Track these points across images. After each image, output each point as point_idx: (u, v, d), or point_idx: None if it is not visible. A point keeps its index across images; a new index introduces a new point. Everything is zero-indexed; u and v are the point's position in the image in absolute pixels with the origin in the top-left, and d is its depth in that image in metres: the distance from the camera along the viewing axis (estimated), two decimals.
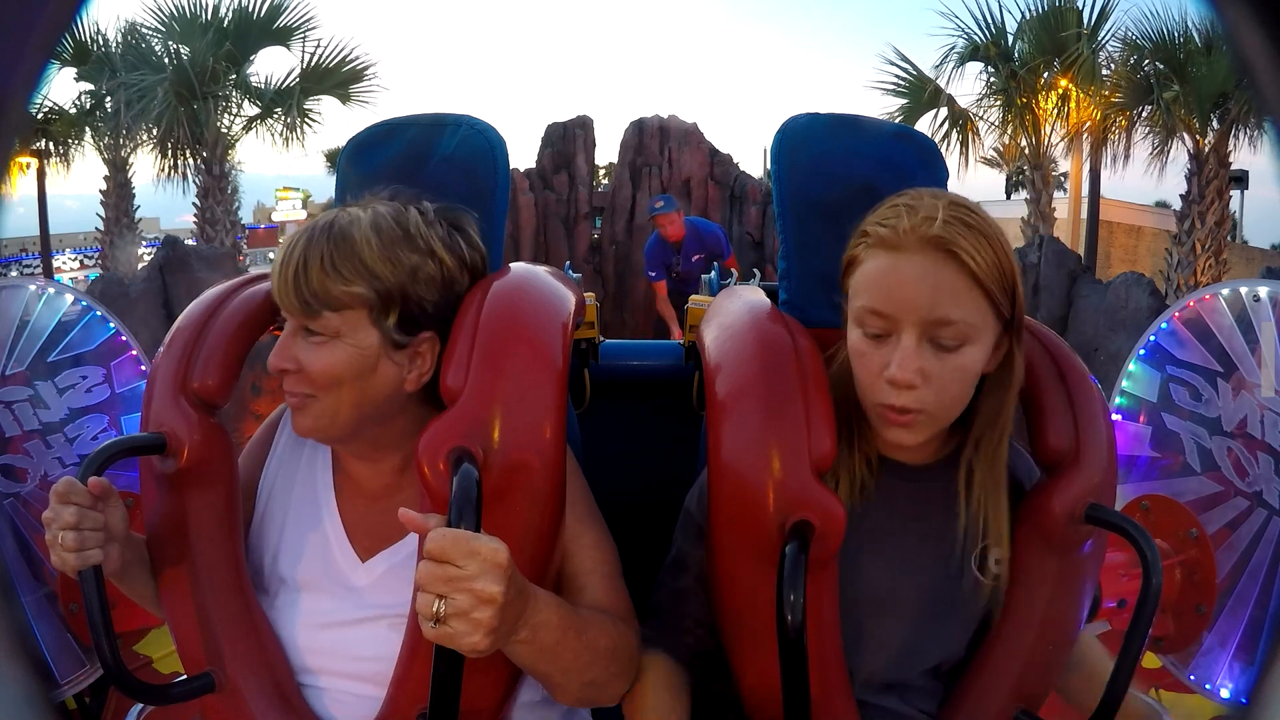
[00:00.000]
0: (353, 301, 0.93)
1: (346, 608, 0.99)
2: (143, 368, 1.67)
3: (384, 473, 1.02)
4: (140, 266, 7.01)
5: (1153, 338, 1.71)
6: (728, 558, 0.94)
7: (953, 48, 8.54)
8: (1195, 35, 7.51)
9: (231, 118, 8.66)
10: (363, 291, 0.92)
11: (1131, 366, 1.73)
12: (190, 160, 8.62)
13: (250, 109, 8.74)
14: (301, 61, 8.66)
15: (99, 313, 1.67)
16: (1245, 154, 7.82)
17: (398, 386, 0.96)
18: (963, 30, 8.49)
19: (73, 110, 8.79)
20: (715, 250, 5.51)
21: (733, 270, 5.19)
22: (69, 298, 1.67)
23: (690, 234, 5.55)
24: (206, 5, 8.42)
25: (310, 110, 8.76)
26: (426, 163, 1.11)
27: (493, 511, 0.85)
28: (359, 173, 1.12)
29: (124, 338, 1.68)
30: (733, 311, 1.07)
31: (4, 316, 1.60)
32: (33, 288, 1.65)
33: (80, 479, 0.90)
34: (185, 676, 0.99)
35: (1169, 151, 8.04)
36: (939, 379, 0.88)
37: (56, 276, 13.76)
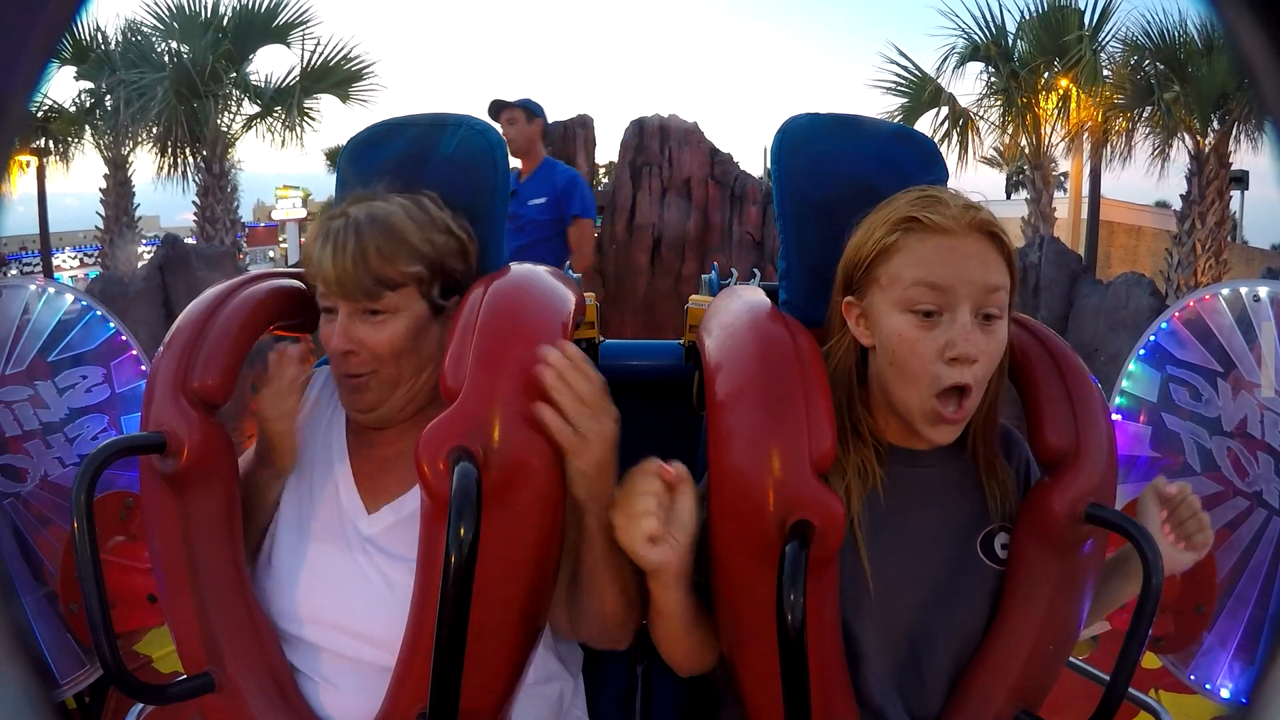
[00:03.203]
0: (407, 280, 1.03)
1: (350, 560, 1.03)
2: (143, 367, 1.67)
3: (397, 430, 1.09)
4: (140, 265, 7.01)
5: (1153, 338, 1.71)
6: (728, 558, 0.94)
7: (953, 48, 8.54)
8: (1195, 36, 7.51)
9: (231, 116, 8.66)
10: (418, 270, 1.04)
11: (1131, 366, 1.73)
12: (190, 159, 8.62)
13: (250, 107, 8.74)
14: (301, 60, 8.66)
15: (99, 312, 1.67)
16: (1245, 154, 7.82)
17: (439, 348, 1.05)
18: (963, 30, 8.50)
19: (72, 109, 8.78)
20: (564, 199, 3.84)
21: (735, 271, 4.99)
22: (69, 297, 1.67)
23: (542, 169, 3.87)
24: (206, 3, 8.43)
25: (310, 109, 8.76)
26: (426, 163, 1.12)
27: (493, 511, 0.85)
28: (359, 172, 1.13)
29: (124, 337, 1.68)
30: (733, 311, 1.07)
31: (4, 316, 1.61)
32: (33, 287, 1.65)
33: (80, 479, 0.90)
34: (185, 676, 0.99)
35: (1169, 152, 8.05)
36: (987, 356, 0.93)
37: (56, 275, 13.76)
